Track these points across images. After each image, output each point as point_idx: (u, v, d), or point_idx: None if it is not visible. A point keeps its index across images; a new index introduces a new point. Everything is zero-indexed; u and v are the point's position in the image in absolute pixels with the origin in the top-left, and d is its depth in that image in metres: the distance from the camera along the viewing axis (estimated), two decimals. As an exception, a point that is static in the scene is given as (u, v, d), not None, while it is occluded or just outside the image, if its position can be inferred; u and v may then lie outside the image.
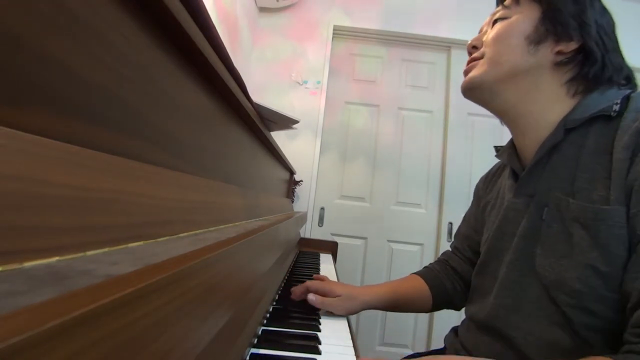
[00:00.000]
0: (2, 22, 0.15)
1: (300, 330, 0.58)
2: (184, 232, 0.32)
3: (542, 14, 0.51)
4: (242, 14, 1.61)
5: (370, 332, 1.83)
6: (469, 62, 0.57)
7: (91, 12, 0.20)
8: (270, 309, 0.67)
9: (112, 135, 0.24)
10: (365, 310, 0.69)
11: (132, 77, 0.25)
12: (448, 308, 0.75)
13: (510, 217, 0.56)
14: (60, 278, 0.14)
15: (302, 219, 1.39)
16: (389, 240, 1.90)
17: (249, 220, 0.60)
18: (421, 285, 0.73)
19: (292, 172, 1.55)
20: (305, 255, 1.34)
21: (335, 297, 0.67)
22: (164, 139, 0.31)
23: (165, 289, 0.18)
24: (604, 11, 0.52)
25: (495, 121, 0.62)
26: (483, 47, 0.56)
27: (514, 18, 0.53)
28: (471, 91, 0.57)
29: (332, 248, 1.53)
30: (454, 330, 0.68)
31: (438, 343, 1.72)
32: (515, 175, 0.58)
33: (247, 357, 0.46)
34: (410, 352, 1.76)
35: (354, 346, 0.55)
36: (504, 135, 0.74)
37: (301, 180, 1.83)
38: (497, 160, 0.70)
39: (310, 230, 1.89)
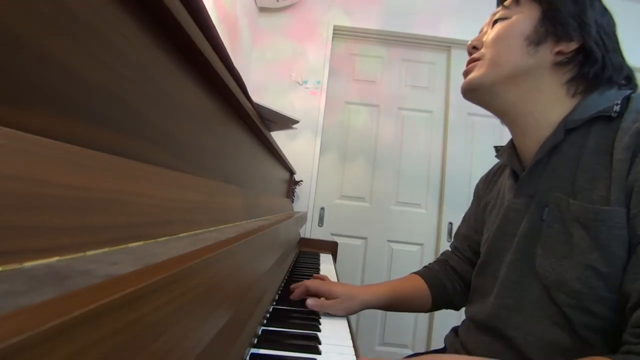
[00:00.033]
0: (2, 22, 0.15)
1: (300, 330, 0.58)
2: (184, 232, 0.32)
3: (542, 14, 0.51)
4: (242, 14, 1.61)
5: (370, 332, 1.83)
6: (468, 63, 0.57)
7: (91, 12, 0.20)
8: (270, 309, 0.67)
9: (112, 135, 0.24)
10: (365, 310, 0.69)
11: (132, 77, 0.25)
12: (447, 308, 0.75)
13: (511, 217, 0.56)
14: (60, 278, 0.14)
15: (302, 219, 1.39)
16: (389, 240, 1.90)
17: (249, 220, 0.60)
18: (421, 285, 0.73)
19: (292, 172, 1.55)
20: (305, 255, 1.34)
21: (334, 298, 0.67)
22: (164, 139, 0.31)
23: (165, 289, 0.18)
24: (604, 11, 0.52)
25: (495, 121, 0.62)
26: (483, 47, 0.56)
27: (514, 18, 0.53)
28: (471, 93, 0.57)
29: (332, 248, 1.53)
30: (454, 330, 0.68)
31: (438, 343, 1.72)
32: (515, 176, 0.58)
33: (247, 357, 0.46)
34: (410, 352, 1.77)
35: (354, 346, 0.55)
36: (504, 135, 0.74)
37: (301, 180, 1.83)
38: (497, 160, 0.70)
39: (310, 230, 1.89)
